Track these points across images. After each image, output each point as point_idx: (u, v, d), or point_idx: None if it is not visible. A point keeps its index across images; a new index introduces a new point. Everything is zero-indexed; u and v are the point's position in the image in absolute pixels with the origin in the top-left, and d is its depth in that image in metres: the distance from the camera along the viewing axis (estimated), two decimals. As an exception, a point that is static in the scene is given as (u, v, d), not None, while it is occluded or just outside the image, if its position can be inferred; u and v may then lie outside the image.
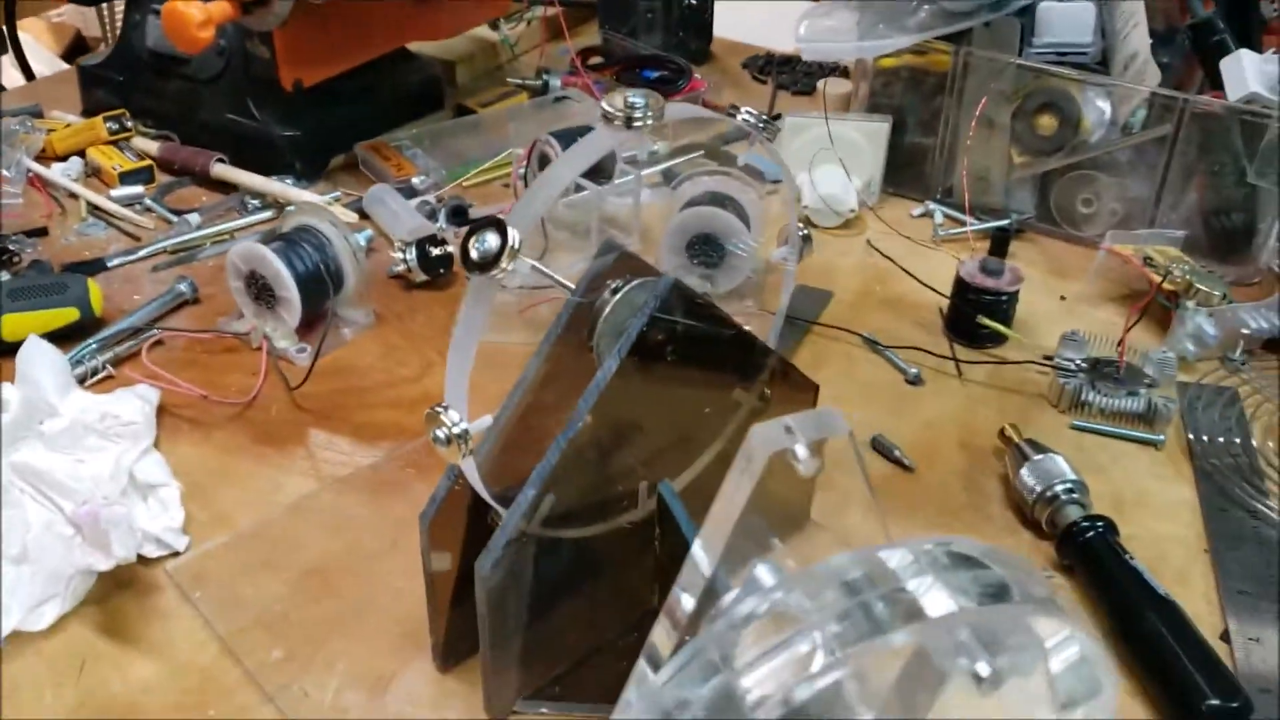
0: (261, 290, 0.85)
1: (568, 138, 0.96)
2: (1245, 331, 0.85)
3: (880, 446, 0.79)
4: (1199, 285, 0.85)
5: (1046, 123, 0.98)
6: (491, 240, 0.50)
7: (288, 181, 1.04)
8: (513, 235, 0.50)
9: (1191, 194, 0.97)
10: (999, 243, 0.96)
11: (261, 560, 0.69)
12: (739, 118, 0.60)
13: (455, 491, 0.59)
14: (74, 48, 2.25)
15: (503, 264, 0.50)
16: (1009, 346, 0.88)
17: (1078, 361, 0.84)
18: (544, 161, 0.97)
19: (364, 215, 1.02)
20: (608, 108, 0.53)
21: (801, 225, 0.66)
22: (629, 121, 0.53)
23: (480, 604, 0.56)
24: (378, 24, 1.06)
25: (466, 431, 0.52)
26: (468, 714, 0.60)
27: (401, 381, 0.85)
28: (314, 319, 0.87)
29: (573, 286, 0.58)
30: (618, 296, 0.57)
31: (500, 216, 0.50)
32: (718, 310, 0.58)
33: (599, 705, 0.60)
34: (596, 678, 0.62)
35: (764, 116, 0.60)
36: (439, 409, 0.52)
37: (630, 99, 0.53)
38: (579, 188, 0.94)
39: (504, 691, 0.60)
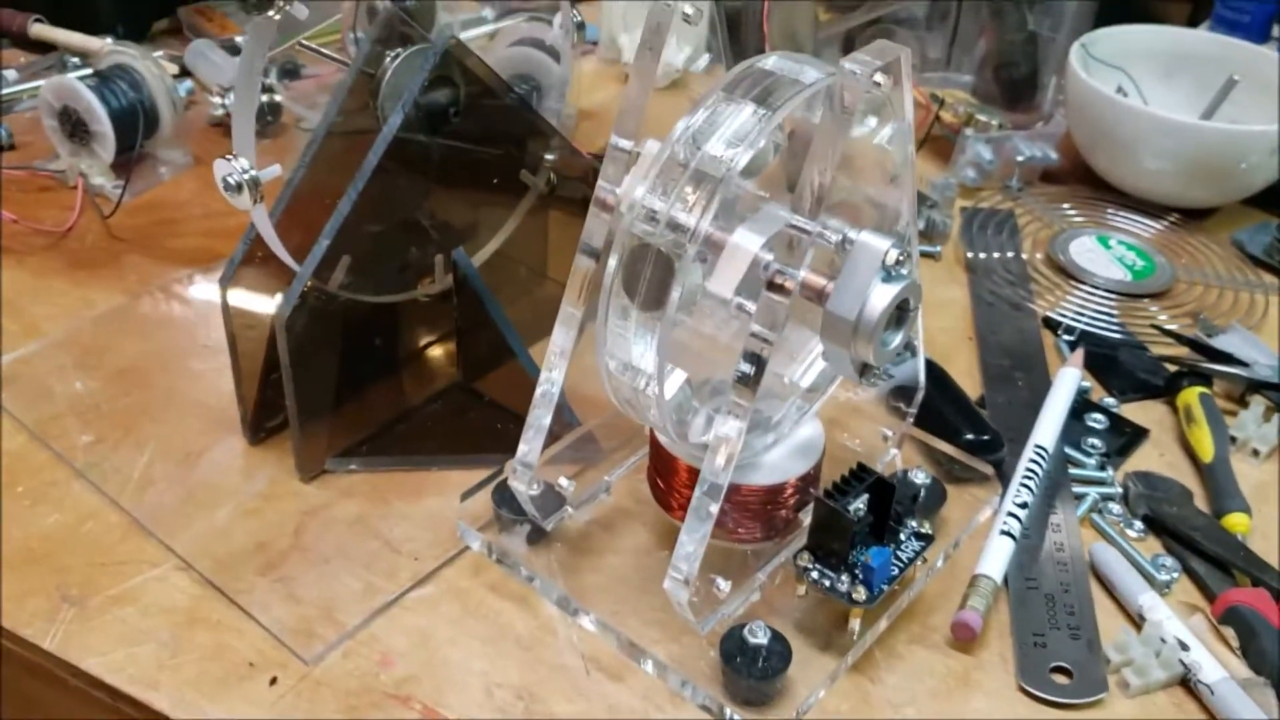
0: (76, 127, 0.85)
1: (388, -12, 0.98)
2: (1020, 159, 0.92)
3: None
4: (978, 116, 0.92)
5: (849, -19, 1.04)
6: (271, -18, 0.52)
7: (109, 41, 1.03)
8: (292, -24, 0.52)
9: (982, 46, 1.03)
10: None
11: (72, 362, 0.70)
12: None
13: (255, 258, 0.61)
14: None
15: (279, 3, 0.52)
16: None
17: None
18: (372, 14, 0.98)
19: (186, 72, 1.02)
20: None
21: (575, 13, 0.69)
22: None
23: (283, 355, 0.58)
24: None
25: (257, 178, 0.54)
26: (277, 477, 0.63)
27: (218, 214, 0.86)
28: (132, 160, 0.87)
29: (348, 61, 0.60)
30: (398, 61, 0.59)
31: (280, -37, 0.53)
32: (498, 79, 0.61)
33: (405, 459, 0.63)
34: (402, 439, 0.65)
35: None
36: (228, 157, 0.54)
37: None
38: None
39: (313, 452, 0.62)
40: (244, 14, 1.10)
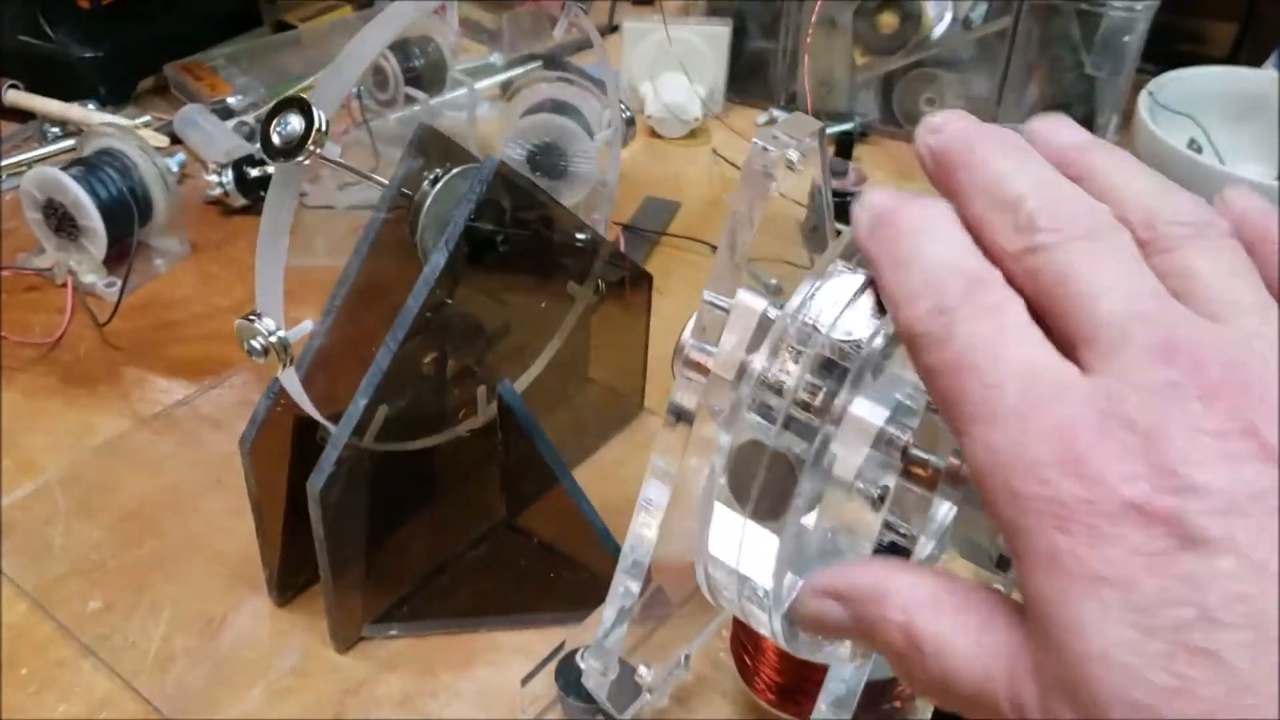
0: (62, 221, 0.78)
1: (405, 50, 0.90)
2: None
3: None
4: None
5: (888, 20, 0.97)
6: (295, 122, 0.45)
7: (90, 107, 0.96)
8: (318, 116, 0.45)
9: (1033, 89, 0.96)
10: (843, 146, 0.94)
11: (73, 507, 0.63)
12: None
13: (278, 412, 0.54)
14: None
15: (309, 147, 0.45)
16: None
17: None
18: (379, 74, 0.91)
19: (176, 140, 0.95)
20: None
21: (624, 107, 0.62)
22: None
23: (316, 527, 0.52)
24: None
25: (286, 340, 0.47)
26: (310, 647, 0.56)
27: (221, 313, 0.79)
28: (124, 251, 0.80)
29: (385, 181, 0.53)
30: (439, 186, 0.52)
31: (304, 96, 0.46)
32: (545, 195, 0.54)
33: (450, 621, 0.57)
34: (446, 595, 0.58)
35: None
36: (252, 317, 0.47)
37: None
38: (410, 99, 0.89)
39: (349, 619, 0.56)
40: (237, 71, 1.02)
